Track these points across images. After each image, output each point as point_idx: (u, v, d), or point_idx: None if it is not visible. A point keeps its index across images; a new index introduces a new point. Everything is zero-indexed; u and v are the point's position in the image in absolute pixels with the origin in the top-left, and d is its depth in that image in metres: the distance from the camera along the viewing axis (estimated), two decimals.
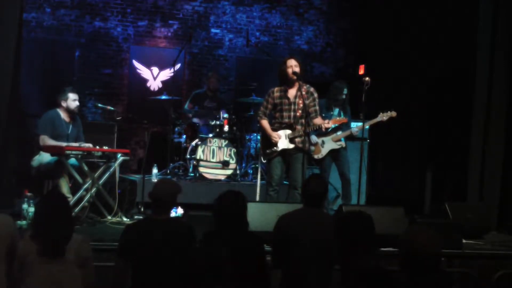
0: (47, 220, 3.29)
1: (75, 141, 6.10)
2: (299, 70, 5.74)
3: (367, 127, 6.64)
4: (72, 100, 6.14)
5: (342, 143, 6.70)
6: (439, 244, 2.79)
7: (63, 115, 6.14)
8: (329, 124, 5.84)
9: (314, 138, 6.58)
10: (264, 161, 6.02)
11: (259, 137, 6.52)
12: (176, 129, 7.64)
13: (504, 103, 6.72)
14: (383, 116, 6.44)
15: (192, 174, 7.30)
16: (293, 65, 5.75)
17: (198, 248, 3.56)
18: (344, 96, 6.71)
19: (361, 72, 8.92)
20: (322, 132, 6.49)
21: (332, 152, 6.67)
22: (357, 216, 3.00)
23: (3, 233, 3.35)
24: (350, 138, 6.80)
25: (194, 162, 7.27)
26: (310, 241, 3.68)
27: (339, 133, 6.66)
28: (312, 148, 6.64)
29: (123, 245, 3.59)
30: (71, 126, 6.17)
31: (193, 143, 7.42)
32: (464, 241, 5.25)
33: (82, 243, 3.38)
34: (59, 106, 6.14)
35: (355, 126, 6.70)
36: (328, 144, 6.65)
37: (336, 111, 6.75)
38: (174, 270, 3.51)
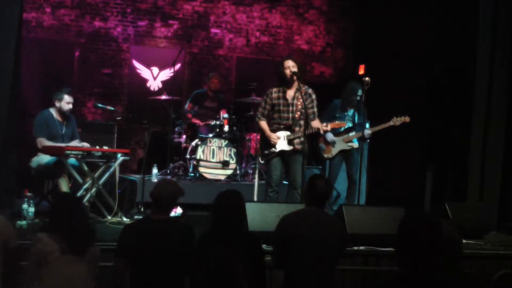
0: (74, 219, 3.34)
1: (70, 141, 6.09)
2: (298, 71, 5.73)
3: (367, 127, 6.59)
4: (66, 103, 6.09)
5: (354, 144, 6.61)
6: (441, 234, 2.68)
7: (56, 115, 6.11)
8: (328, 128, 5.82)
9: (330, 136, 6.52)
10: (262, 162, 6.01)
11: (259, 138, 6.51)
12: (176, 129, 7.64)
13: (504, 103, 6.72)
14: (396, 121, 6.35)
15: (192, 174, 7.30)
16: (290, 66, 5.74)
17: (196, 248, 3.56)
18: (358, 97, 6.63)
19: (361, 72, 8.92)
20: (334, 132, 6.46)
21: (342, 152, 6.63)
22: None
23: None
24: (363, 139, 6.73)
25: (194, 162, 7.27)
26: (313, 241, 3.68)
27: (351, 134, 6.61)
28: (323, 147, 6.61)
29: (122, 245, 3.59)
30: (64, 126, 6.15)
31: (193, 143, 7.42)
32: (464, 241, 5.24)
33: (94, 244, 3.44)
34: (53, 105, 6.12)
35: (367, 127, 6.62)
36: (339, 145, 6.61)
37: (350, 112, 6.67)
38: (172, 270, 3.51)
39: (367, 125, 6.57)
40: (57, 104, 6.08)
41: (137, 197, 6.40)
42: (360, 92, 6.59)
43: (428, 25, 7.96)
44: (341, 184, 7.05)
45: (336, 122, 6.17)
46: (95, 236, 3.49)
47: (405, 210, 5.12)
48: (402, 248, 2.68)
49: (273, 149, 5.79)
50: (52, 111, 6.12)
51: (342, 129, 6.41)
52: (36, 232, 3.44)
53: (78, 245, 3.31)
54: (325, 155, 6.65)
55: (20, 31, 6.11)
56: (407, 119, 6.35)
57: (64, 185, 5.79)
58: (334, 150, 6.61)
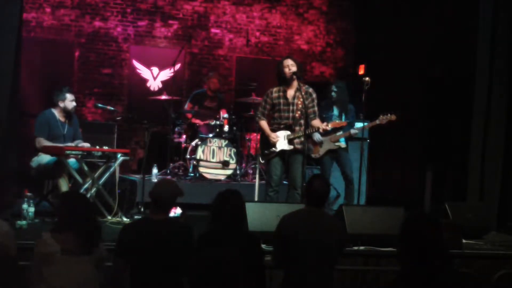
0: (82, 217, 3.34)
1: (72, 141, 6.09)
2: (297, 70, 5.73)
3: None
4: (70, 101, 6.13)
5: (341, 143, 6.67)
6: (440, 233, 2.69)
7: (59, 115, 6.12)
8: (328, 127, 5.83)
9: (317, 136, 6.52)
10: (263, 162, 6.01)
11: (259, 137, 6.51)
12: (176, 129, 7.64)
13: (504, 103, 6.71)
14: (382, 119, 6.38)
15: (192, 174, 7.30)
16: (289, 65, 5.75)
17: (196, 248, 3.56)
18: (334, 93, 6.66)
19: (361, 72, 8.92)
20: (322, 133, 6.46)
21: (330, 152, 6.64)
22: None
23: None
24: (350, 138, 6.79)
25: (194, 162, 7.27)
26: (312, 241, 3.68)
27: (339, 133, 6.64)
28: (311, 147, 6.61)
29: (121, 244, 3.59)
30: (66, 126, 6.16)
31: (193, 143, 7.42)
32: (464, 241, 5.25)
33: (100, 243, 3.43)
34: (55, 106, 6.13)
35: (356, 127, 6.67)
36: (326, 144, 6.63)
37: (335, 110, 6.71)
38: (172, 270, 3.51)
39: (359, 124, 6.60)
40: (61, 104, 6.10)
41: (137, 197, 6.40)
42: (334, 88, 6.63)
43: (428, 25, 7.96)
44: (341, 185, 7.05)
45: (337, 121, 6.18)
46: (101, 234, 3.46)
47: (405, 210, 5.12)
48: (403, 247, 2.68)
49: (273, 148, 5.79)
50: (54, 111, 6.13)
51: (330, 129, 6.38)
52: (40, 232, 3.42)
53: (84, 244, 3.30)
54: (313, 155, 6.66)
55: (20, 31, 6.10)
56: (393, 117, 6.36)
57: (64, 185, 5.79)
58: (322, 150, 6.63)
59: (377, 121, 6.42)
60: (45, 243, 3.27)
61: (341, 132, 6.61)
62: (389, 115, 6.36)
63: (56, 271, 3.22)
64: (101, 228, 3.50)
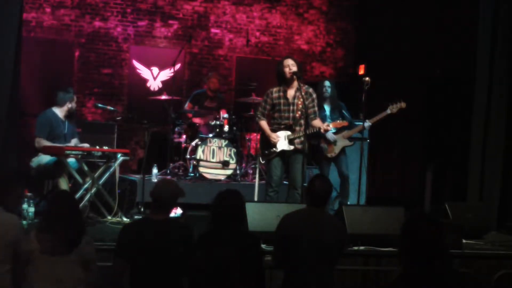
0: (63, 216, 3.32)
1: (71, 139, 6.11)
2: (297, 70, 5.72)
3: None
4: (75, 102, 6.24)
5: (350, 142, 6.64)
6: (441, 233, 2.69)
7: (60, 114, 6.14)
8: (329, 127, 5.81)
9: (331, 135, 6.46)
10: (263, 162, 6.01)
11: (259, 137, 6.50)
12: (176, 129, 7.64)
13: (504, 103, 6.71)
14: (392, 108, 6.30)
15: (192, 174, 7.30)
16: (290, 65, 5.74)
17: (196, 248, 3.56)
18: (328, 89, 6.62)
19: (361, 72, 8.93)
20: (335, 130, 6.42)
21: (342, 149, 6.60)
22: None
23: (8, 234, 3.36)
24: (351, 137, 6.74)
25: (194, 162, 7.27)
26: (313, 241, 3.68)
27: (348, 130, 6.57)
28: (325, 147, 6.57)
29: (121, 244, 3.59)
30: (67, 124, 6.17)
31: (193, 143, 7.43)
32: (464, 241, 5.25)
33: (86, 244, 3.41)
34: (59, 105, 6.13)
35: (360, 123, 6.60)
36: (340, 142, 6.55)
37: (327, 109, 6.68)
38: (171, 270, 3.51)
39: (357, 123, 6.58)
40: (69, 105, 6.13)
41: (137, 197, 6.40)
42: (327, 84, 6.60)
43: (428, 25, 7.96)
44: (336, 184, 7.03)
45: (338, 121, 6.17)
46: (82, 236, 3.39)
47: (405, 210, 5.12)
48: (404, 247, 2.68)
49: (274, 149, 5.79)
50: (56, 110, 6.13)
51: (336, 129, 6.34)
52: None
53: (64, 245, 3.29)
54: (329, 155, 6.57)
55: (20, 31, 6.11)
56: (403, 104, 6.30)
57: (64, 185, 5.79)
58: (337, 148, 6.57)
59: (388, 111, 6.34)
60: (28, 241, 3.30)
61: (346, 130, 6.55)
62: (398, 103, 6.30)
63: (34, 269, 3.24)
64: (84, 230, 3.44)
